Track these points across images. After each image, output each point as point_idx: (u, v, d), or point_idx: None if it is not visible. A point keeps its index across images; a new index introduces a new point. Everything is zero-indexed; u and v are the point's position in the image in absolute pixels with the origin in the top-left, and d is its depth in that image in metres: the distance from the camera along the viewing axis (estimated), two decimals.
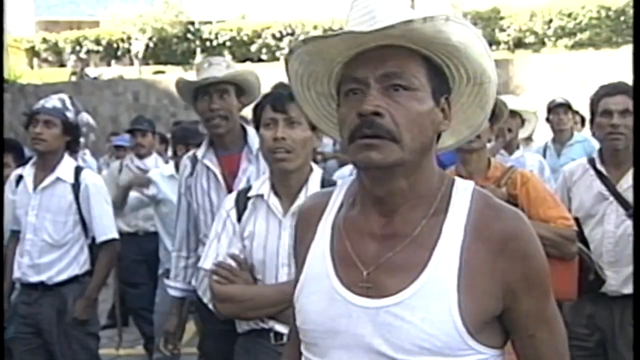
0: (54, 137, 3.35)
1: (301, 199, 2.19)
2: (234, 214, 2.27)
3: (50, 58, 22.69)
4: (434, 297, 1.15)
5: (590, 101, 3.00)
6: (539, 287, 1.22)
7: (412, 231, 1.20)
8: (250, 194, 2.28)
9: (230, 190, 2.73)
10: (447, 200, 1.23)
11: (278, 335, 2.16)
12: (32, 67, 21.97)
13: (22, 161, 3.69)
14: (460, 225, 1.19)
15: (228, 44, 21.32)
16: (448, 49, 1.18)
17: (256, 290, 2.18)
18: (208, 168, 2.95)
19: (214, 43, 21.50)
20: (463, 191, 1.24)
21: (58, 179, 3.40)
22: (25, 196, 3.40)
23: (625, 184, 2.90)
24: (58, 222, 3.37)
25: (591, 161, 3.03)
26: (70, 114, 3.38)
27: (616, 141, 2.87)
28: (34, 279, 3.36)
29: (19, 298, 3.46)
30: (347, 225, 1.27)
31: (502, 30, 19.54)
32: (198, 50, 21.65)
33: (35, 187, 3.40)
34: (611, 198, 2.91)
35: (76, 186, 3.39)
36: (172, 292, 3.10)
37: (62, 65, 21.74)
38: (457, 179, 1.28)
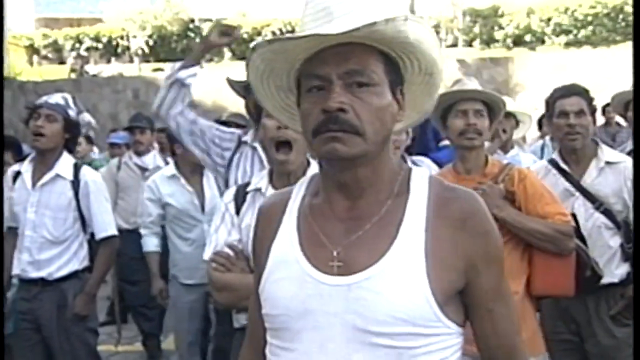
0: (54, 132, 3.36)
1: None
2: (232, 207, 2.31)
3: (50, 55, 22.66)
4: (404, 269, 1.21)
5: (546, 103, 3.19)
6: (498, 263, 1.31)
7: (378, 211, 1.27)
8: (249, 188, 2.33)
9: None
10: (407, 183, 1.31)
11: None
12: (31, 64, 21.93)
13: (20, 158, 3.70)
14: (422, 204, 1.28)
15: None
16: (405, 46, 1.26)
17: (252, 279, 2.20)
18: (255, 150, 2.96)
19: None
20: (420, 177, 1.33)
21: (57, 175, 3.41)
22: (24, 193, 3.41)
23: (589, 179, 3.07)
24: (58, 218, 3.38)
25: (552, 161, 3.19)
26: (72, 112, 3.39)
27: (574, 141, 3.06)
28: (34, 275, 3.38)
29: (18, 294, 3.47)
30: (313, 211, 1.32)
31: (500, 28, 19.53)
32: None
33: (34, 184, 3.40)
34: (577, 193, 3.06)
35: (75, 183, 3.40)
36: None
37: (62, 62, 21.72)
38: (414, 168, 1.37)
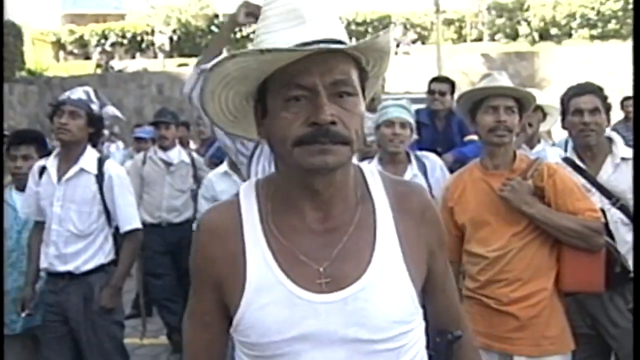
0: (78, 128, 3.38)
1: None
2: None
3: (76, 51, 22.92)
4: (390, 273, 1.24)
5: (561, 101, 3.21)
6: (446, 246, 1.39)
7: (352, 220, 1.27)
8: None
9: None
10: (366, 185, 1.32)
11: None
12: (58, 59, 22.21)
13: (44, 152, 3.72)
14: (386, 204, 1.30)
15: (252, 36, 21.34)
16: (381, 54, 1.27)
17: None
18: None
19: (238, 35, 21.55)
20: (372, 174, 1.35)
21: (82, 170, 3.43)
22: (50, 187, 3.43)
23: (605, 175, 3.06)
24: (83, 212, 3.41)
25: (566, 159, 3.18)
26: (94, 106, 3.41)
27: (588, 137, 3.07)
28: (61, 268, 3.40)
29: (45, 287, 3.50)
30: (281, 228, 1.26)
31: (526, 22, 19.34)
32: None
33: (59, 179, 3.43)
34: (593, 189, 3.04)
35: (100, 177, 3.42)
36: None
37: (88, 57, 21.97)
38: (361, 165, 1.37)
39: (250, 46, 1.28)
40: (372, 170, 1.35)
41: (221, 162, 6.36)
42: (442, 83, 5.48)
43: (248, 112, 1.32)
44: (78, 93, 3.43)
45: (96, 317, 3.41)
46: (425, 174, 3.56)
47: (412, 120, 3.58)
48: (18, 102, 15.90)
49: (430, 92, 5.40)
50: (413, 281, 1.26)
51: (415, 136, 3.68)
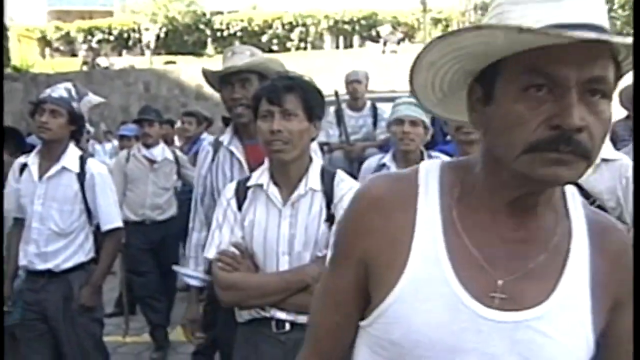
0: (59, 126, 3.38)
1: (301, 189, 2.21)
2: (234, 203, 2.28)
3: (62, 48, 22.81)
4: (572, 310, 1.06)
5: None
6: (633, 298, 1.13)
7: (549, 237, 1.08)
8: (249, 183, 2.29)
9: None
10: (565, 204, 1.13)
11: (280, 323, 2.18)
12: (44, 56, 22.08)
13: (19, 150, 3.70)
14: (584, 233, 1.11)
15: (239, 34, 21.34)
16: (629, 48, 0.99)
17: (259, 278, 2.20)
18: (232, 154, 2.92)
19: (225, 33, 21.52)
20: (572, 196, 1.16)
21: (64, 168, 3.42)
22: (30, 185, 3.43)
23: (584, 175, 3.00)
24: (64, 211, 3.40)
25: None
26: (76, 104, 3.41)
27: None
28: (40, 266, 3.40)
29: (24, 285, 3.49)
30: (465, 222, 1.08)
31: None
32: (209, 40, 21.68)
33: (40, 176, 3.42)
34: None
35: (81, 175, 3.42)
36: (192, 282, 2.96)
37: (74, 54, 21.88)
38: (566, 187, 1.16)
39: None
40: (573, 192, 1.15)
41: None
42: None
43: (458, 92, 1.12)
44: (59, 91, 3.42)
45: (76, 316, 3.41)
46: None
47: (424, 118, 3.57)
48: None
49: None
50: (594, 328, 1.07)
51: (428, 136, 3.68)
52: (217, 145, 3.02)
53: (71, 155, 3.46)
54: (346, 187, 2.22)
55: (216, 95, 3.11)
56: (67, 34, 22.68)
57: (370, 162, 3.86)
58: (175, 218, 5.69)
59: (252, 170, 2.85)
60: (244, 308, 2.25)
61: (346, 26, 22.85)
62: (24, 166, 3.48)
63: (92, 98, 3.53)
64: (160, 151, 5.60)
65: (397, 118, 3.56)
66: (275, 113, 2.17)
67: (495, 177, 1.06)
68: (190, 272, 2.98)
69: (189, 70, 17.00)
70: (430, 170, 1.14)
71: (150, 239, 5.46)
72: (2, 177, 3.68)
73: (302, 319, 2.15)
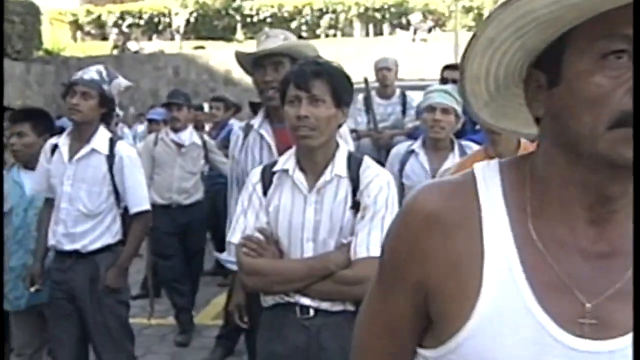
0: (90, 108, 3.40)
1: (327, 175, 2.19)
2: (259, 188, 2.27)
3: (93, 31, 22.98)
4: None
5: None
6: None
7: (630, 249, 0.92)
8: (275, 168, 2.28)
9: None
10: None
11: (304, 308, 2.18)
12: (75, 40, 22.27)
13: (47, 130, 3.73)
14: None
15: (269, 20, 21.32)
16: None
17: (284, 264, 2.20)
18: (262, 138, 2.92)
19: (255, 19, 21.50)
20: None
21: (93, 150, 3.45)
22: (61, 166, 3.46)
23: None
24: (93, 192, 3.43)
25: None
26: (107, 87, 3.43)
27: None
28: (68, 247, 3.43)
29: (53, 264, 3.53)
30: (543, 236, 0.93)
31: None
32: (239, 26, 21.69)
33: (70, 158, 3.45)
34: None
35: (111, 157, 3.44)
36: (235, 267, 2.93)
37: (105, 38, 22.03)
38: None
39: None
40: None
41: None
42: (455, 71, 5.44)
43: (511, 88, 1.01)
44: (91, 73, 3.44)
45: (102, 297, 3.44)
46: None
47: (456, 106, 3.54)
48: (35, 82, 15.98)
49: (443, 80, 5.37)
50: None
51: (459, 125, 3.65)
52: (247, 129, 3.02)
53: (101, 137, 3.48)
54: (372, 174, 2.20)
55: (245, 80, 3.12)
56: (99, 17, 22.83)
57: (399, 148, 3.83)
58: (201, 202, 5.72)
59: (281, 154, 2.86)
60: (269, 293, 2.25)
61: (376, 14, 22.70)
62: (55, 147, 3.51)
63: (122, 81, 3.55)
64: (188, 135, 5.61)
65: (429, 105, 3.52)
66: (302, 98, 2.15)
67: (570, 173, 0.92)
68: (232, 258, 2.93)
69: (218, 56, 17.04)
70: (488, 176, 0.99)
71: (177, 223, 5.49)
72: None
73: (325, 305, 2.16)
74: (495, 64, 0.97)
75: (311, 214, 2.18)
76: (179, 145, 5.55)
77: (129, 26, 22.31)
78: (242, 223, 2.27)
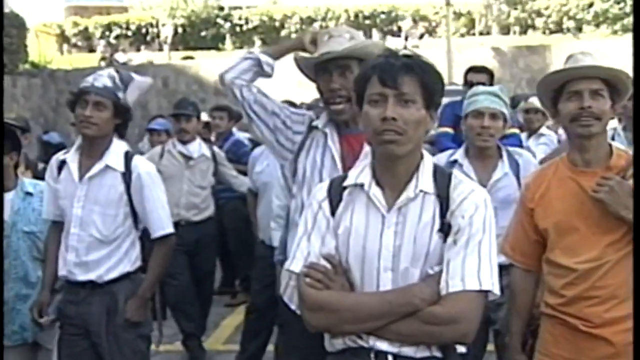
0: (104, 120, 3.02)
1: (410, 191, 1.85)
2: (326, 207, 1.92)
3: (80, 43, 22.77)
4: None
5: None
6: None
7: None
8: (346, 183, 1.93)
9: None
10: None
11: (380, 354, 1.82)
12: (62, 52, 22.03)
13: (16, 149, 3.32)
14: None
15: (258, 29, 21.20)
16: None
17: (356, 299, 1.84)
18: (326, 141, 2.64)
19: (244, 28, 21.34)
20: None
21: (107, 167, 3.07)
22: (70, 185, 3.09)
23: None
24: (107, 215, 3.05)
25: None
26: (121, 94, 3.05)
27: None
28: (81, 277, 3.06)
29: (65, 297, 3.16)
30: None
31: (539, 15, 19.11)
32: (227, 35, 21.54)
33: (81, 176, 3.08)
34: None
35: (127, 175, 3.06)
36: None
37: (92, 50, 21.86)
38: None
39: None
40: None
41: (237, 157, 6.07)
42: (480, 74, 5.13)
43: None
44: (103, 79, 3.05)
45: (120, 331, 3.07)
46: (517, 173, 3.22)
47: (505, 110, 3.22)
48: (21, 95, 15.63)
49: (468, 83, 5.06)
50: None
51: (505, 130, 3.33)
52: (309, 126, 2.72)
53: (116, 151, 3.10)
54: (466, 190, 1.86)
55: None
56: (85, 29, 22.58)
57: (440, 159, 3.47)
58: (212, 219, 5.41)
59: (344, 162, 2.52)
60: (337, 334, 1.88)
61: (366, 21, 22.55)
62: (62, 163, 3.13)
63: (139, 82, 3.17)
64: (197, 147, 5.31)
65: (476, 110, 3.18)
66: (389, 97, 1.80)
67: None
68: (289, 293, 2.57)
69: (208, 66, 16.90)
70: None
71: (185, 241, 5.09)
72: (2, 179, 3.32)
73: (407, 350, 1.82)
74: None
75: (390, 238, 1.83)
76: (187, 158, 5.26)
77: (117, 37, 22.10)
78: (305, 248, 1.91)
